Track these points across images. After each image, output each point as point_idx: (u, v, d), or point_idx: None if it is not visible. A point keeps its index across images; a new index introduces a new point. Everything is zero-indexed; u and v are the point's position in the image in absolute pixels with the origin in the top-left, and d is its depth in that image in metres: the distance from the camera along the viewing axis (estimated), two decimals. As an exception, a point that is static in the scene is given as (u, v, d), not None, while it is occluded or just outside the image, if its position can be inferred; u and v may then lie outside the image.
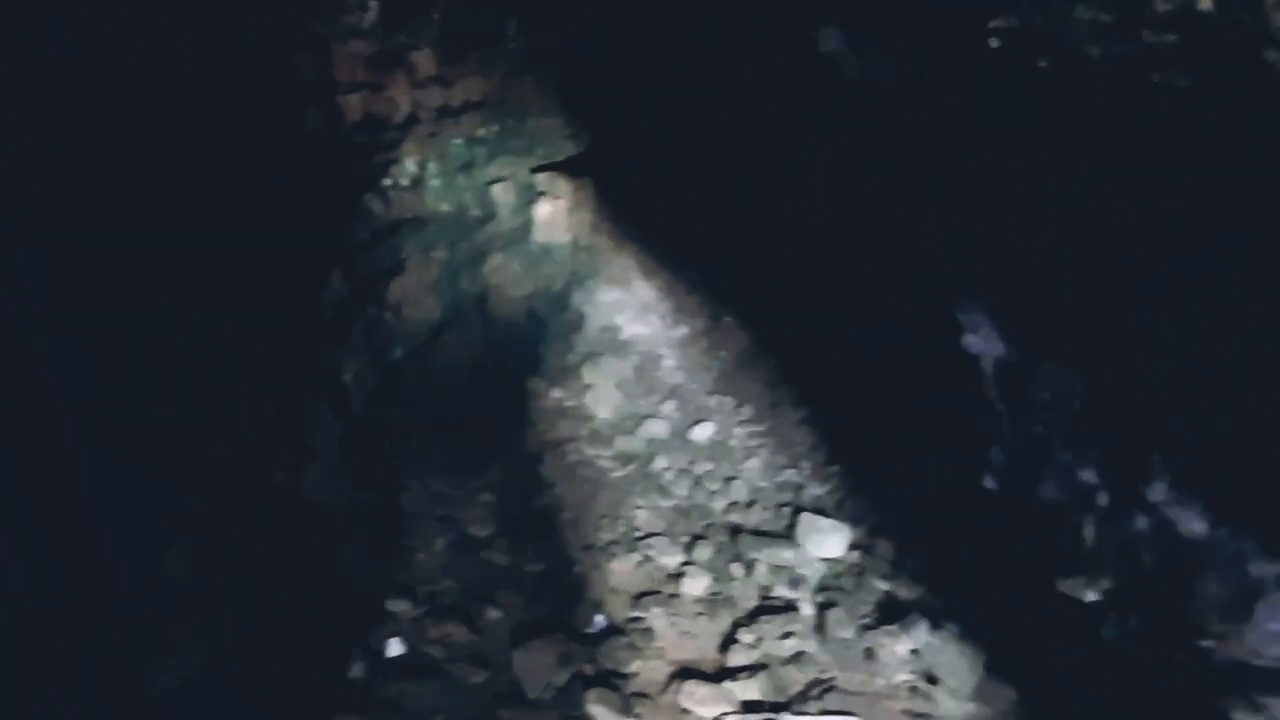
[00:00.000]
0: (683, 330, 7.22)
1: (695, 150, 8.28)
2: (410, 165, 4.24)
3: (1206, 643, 2.56)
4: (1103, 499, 2.94)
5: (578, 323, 6.83)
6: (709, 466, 5.65)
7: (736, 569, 4.73)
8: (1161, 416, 2.74)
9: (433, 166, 4.51)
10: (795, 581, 4.62)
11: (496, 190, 5.41)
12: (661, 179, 8.48)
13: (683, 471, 5.59)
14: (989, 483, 3.17)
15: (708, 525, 5.12)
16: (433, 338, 4.77)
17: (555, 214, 6.33)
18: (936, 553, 4.86)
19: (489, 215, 5.34)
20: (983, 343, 2.99)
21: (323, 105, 3.32)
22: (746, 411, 6.26)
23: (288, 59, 2.99)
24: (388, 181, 4.04)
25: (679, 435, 6.00)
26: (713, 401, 6.37)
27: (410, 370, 4.46)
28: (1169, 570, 2.68)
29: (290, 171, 3.12)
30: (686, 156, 8.34)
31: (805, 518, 5.00)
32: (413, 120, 4.18)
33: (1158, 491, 2.69)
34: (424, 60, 4.16)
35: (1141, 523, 2.76)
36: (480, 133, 5.00)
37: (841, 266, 7.20)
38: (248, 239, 3.05)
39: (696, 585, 4.60)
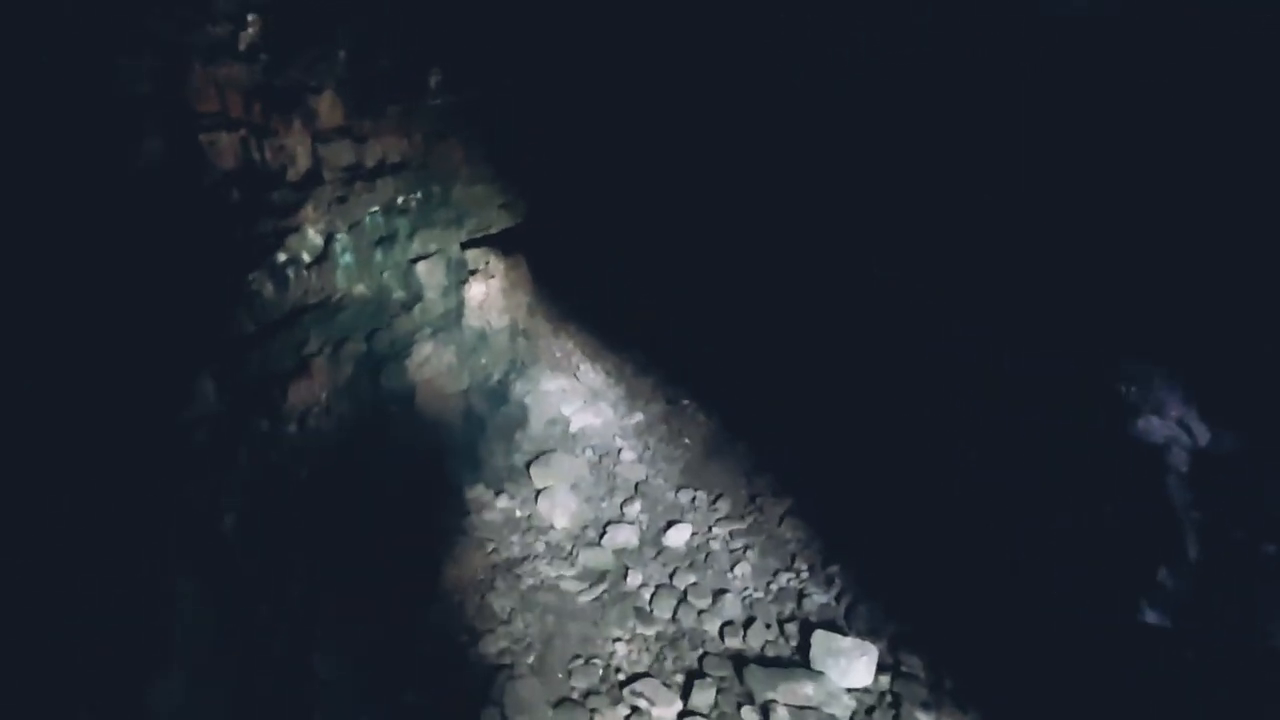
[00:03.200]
0: (638, 417, 6.29)
1: (638, 222, 7.54)
2: (313, 236, 3.24)
3: None
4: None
5: (521, 417, 5.81)
6: (692, 579, 4.64)
7: (750, 715, 3.70)
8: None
9: (343, 239, 3.51)
10: (825, 726, 3.60)
11: (421, 269, 4.43)
12: (602, 253, 7.69)
13: (663, 587, 4.56)
14: (1151, 615, 2.28)
15: (704, 656, 4.08)
16: (348, 452, 3.66)
17: (489, 294, 5.37)
18: (978, 664, 3.97)
19: (414, 298, 4.34)
20: (1164, 426, 2.15)
21: (172, 138, 2.30)
22: (724, 506, 5.32)
23: (110, 62, 2.00)
24: (282, 256, 3.02)
25: (651, 542, 4.99)
26: (684, 498, 5.41)
27: (318, 497, 3.34)
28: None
29: (115, 229, 2.08)
30: (628, 228, 7.59)
31: (819, 636, 4.04)
32: (315, 179, 3.20)
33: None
34: (326, 107, 3.22)
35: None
36: (400, 201, 4.05)
37: (807, 333, 6.48)
38: (56, 334, 1.98)
39: (704, 744, 3.52)
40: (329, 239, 3.38)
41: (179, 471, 2.45)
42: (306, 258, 3.21)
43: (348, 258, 3.55)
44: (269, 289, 2.95)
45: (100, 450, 2.07)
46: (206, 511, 2.57)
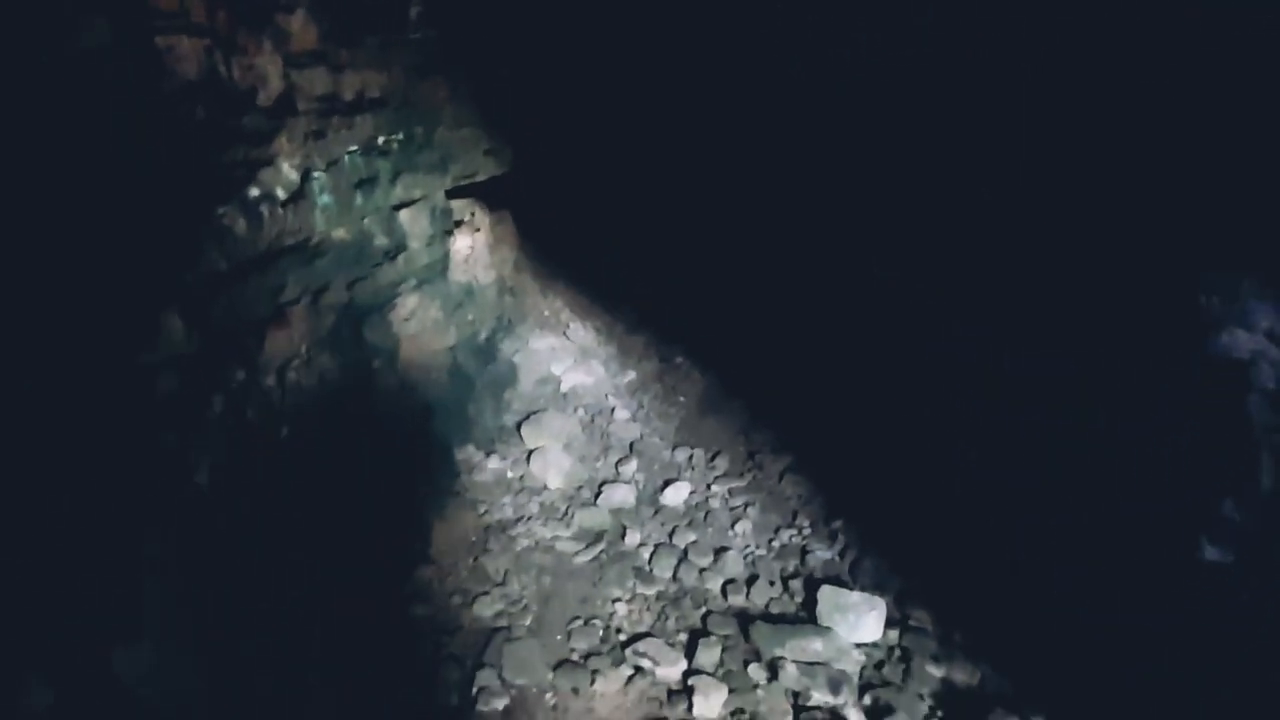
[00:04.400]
0: (631, 376, 6.08)
1: (629, 179, 7.26)
2: (288, 171, 2.96)
3: None
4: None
5: (510, 376, 5.58)
6: (692, 537, 4.47)
7: (757, 672, 3.54)
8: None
9: (321, 178, 3.24)
10: (835, 684, 3.46)
11: (405, 216, 4.16)
12: (592, 209, 7.41)
13: (662, 546, 4.39)
14: (1212, 551, 2.11)
15: (707, 615, 3.92)
16: (331, 408, 3.43)
17: (475, 248, 5.11)
18: (987, 617, 3.85)
19: (397, 246, 4.08)
20: (1251, 340, 1.96)
21: (122, 30, 2.02)
22: (722, 464, 5.15)
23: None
24: (255, 191, 2.75)
25: (649, 501, 4.81)
26: (680, 456, 5.23)
27: (300, 455, 3.11)
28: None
29: (60, 134, 1.81)
30: (619, 185, 7.31)
31: (825, 592, 3.88)
32: (288, 107, 2.92)
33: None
34: (299, 26, 2.92)
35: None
36: (381, 141, 3.77)
37: (807, 286, 6.28)
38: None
39: (711, 703, 3.38)
40: (305, 176, 3.10)
41: (147, 419, 2.21)
42: (281, 194, 2.93)
43: (326, 198, 3.28)
44: (241, 225, 2.68)
45: (58, 394, 1.83)
46: (178, 464, 2.33)
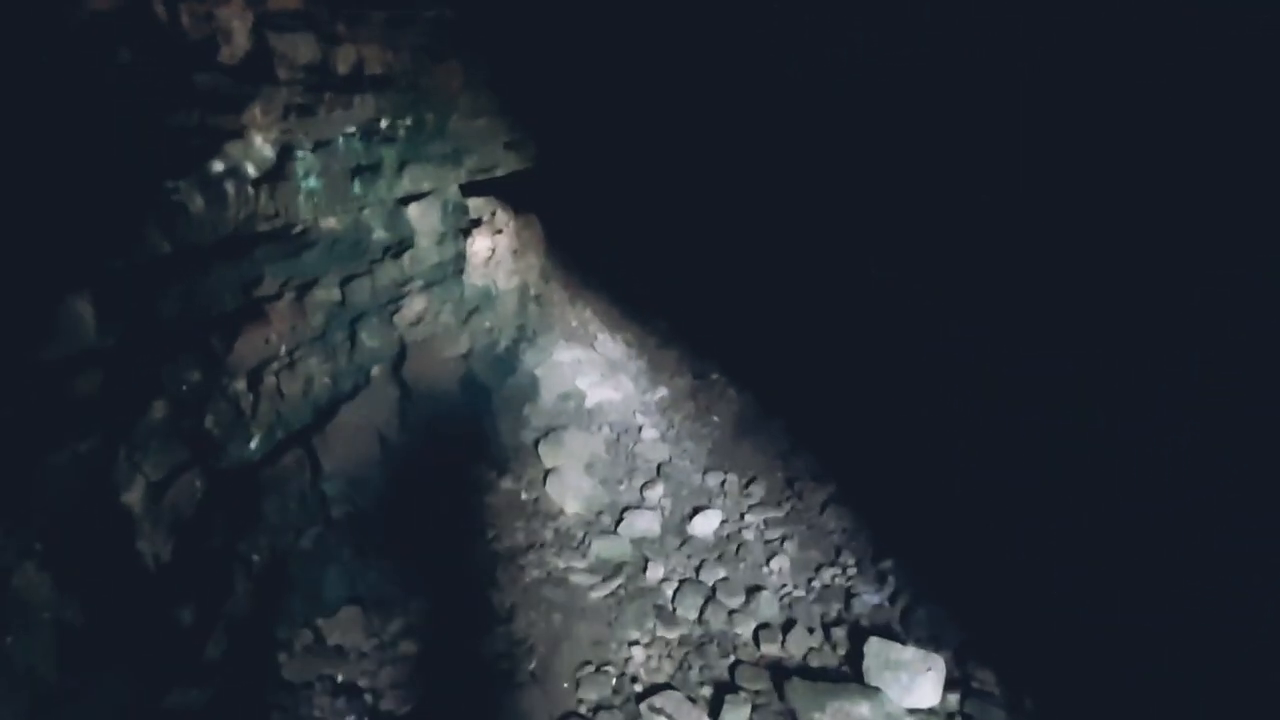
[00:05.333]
0: (661, 393, 5.61)
1: (663, 185, 6.84)
2: (261, 146, 2.59)
3: None
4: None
5: (530, 389, 5.15)
6: (722, 573, 3.97)
7: (794, 741, 3.01)
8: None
9: (307, 158, 2.86)
10: (887, 758, 2.91)
11: (413, 211, 3.78)
12: (624, 216, 7.00)
13: (688, 583, 3.89)
14: None
15: (735, 665, 3.40)
16: (317, 418, 3.03)
17: (497, 251, 4.71)
18: (1062, 678, 3.27)
19: (402, 243, 3.69)
20: None
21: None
22: (757, 491, 4.64)
23: None
24: (218, 165, 2.37)
25: (675, 530, 4.32)
26: (712, 481, 4.73)
27: (272, 471, 2.71)
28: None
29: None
30: (653, 191, 6.89)
31: (874, 645, 3.34)
32: (263, 72, 2.55)
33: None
34: (278, -19, 2.56)
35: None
36: (384, 125, 3.39)
37: (853, 301, 5.76)
38: None
39: (738, 776, 2.85)
40: (285, 154, 2.72)
41: (56, 426, 1.82)
42: (252, 171, 2.56)
43: (313, 182, 2.90)
44: (198, 203, 2.30)
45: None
46: (96, 479, 1.93)
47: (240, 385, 2.65)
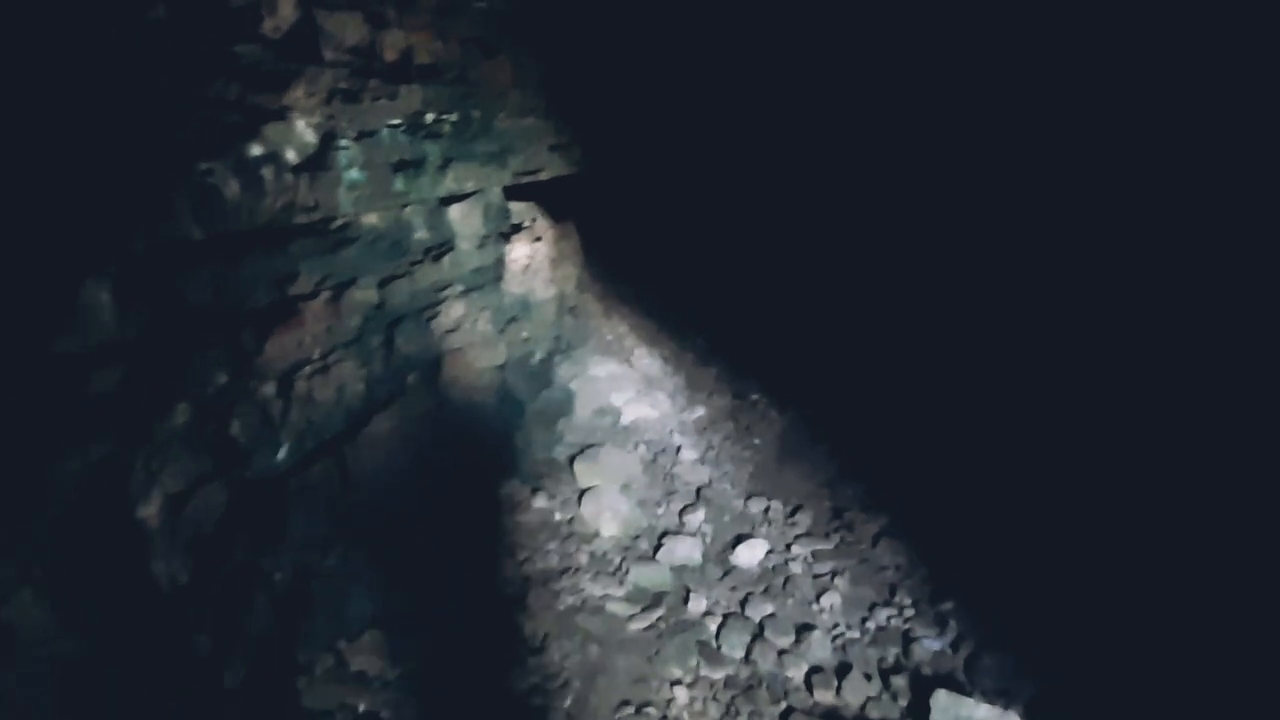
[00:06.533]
0: (700, 412, 5.34)
1: (709, 197, 6.61)
2: (304, 131, 2.38)
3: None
4: None
5: (566, 404, 4.91)
6: (769, 608, 3.68)
7: (856, 804, 2.70)
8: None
9: (350, 148, 2.65)
10: (962, 828, 2.60)
11: (455, 212, 3.56)
12: (666, 228, 6.77)
13: (733, 618, 3.60)
14: None
15: (788, 713, 3.10)
16: (350, 427, 2.79)
17: (535, 259, 4.48)
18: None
19: (443, 245, 3.47)
20: None
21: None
22: (804, 520, 4.34)
23: None
24: (256, 149, 2.16)
25: (717, 559, 4.04)
26: (755, 508, 4.45)
27: (302, 484, 2.47)
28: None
29: None
30: (698, 203, 6.66)
31: (941, 699, 3.04)
32: (308, 51, 2.34)
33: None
34: (329, -45, 2.36)
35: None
36: (430, 119, 3.18)
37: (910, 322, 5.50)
38: None
39: (796, 842, 2.55)
40: (328, 142, 2.51)
41: (68, 426, 1.60)
42: (293, 157, 2.34)
43: (355, 174, 2.68)
44: (233, 188, 2.08)
45: None
46: (111, 487, 1.71)
47: (270, 389, 2.42)
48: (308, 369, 2.68)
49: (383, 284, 3.07)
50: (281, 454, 2.50)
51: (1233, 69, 3.13)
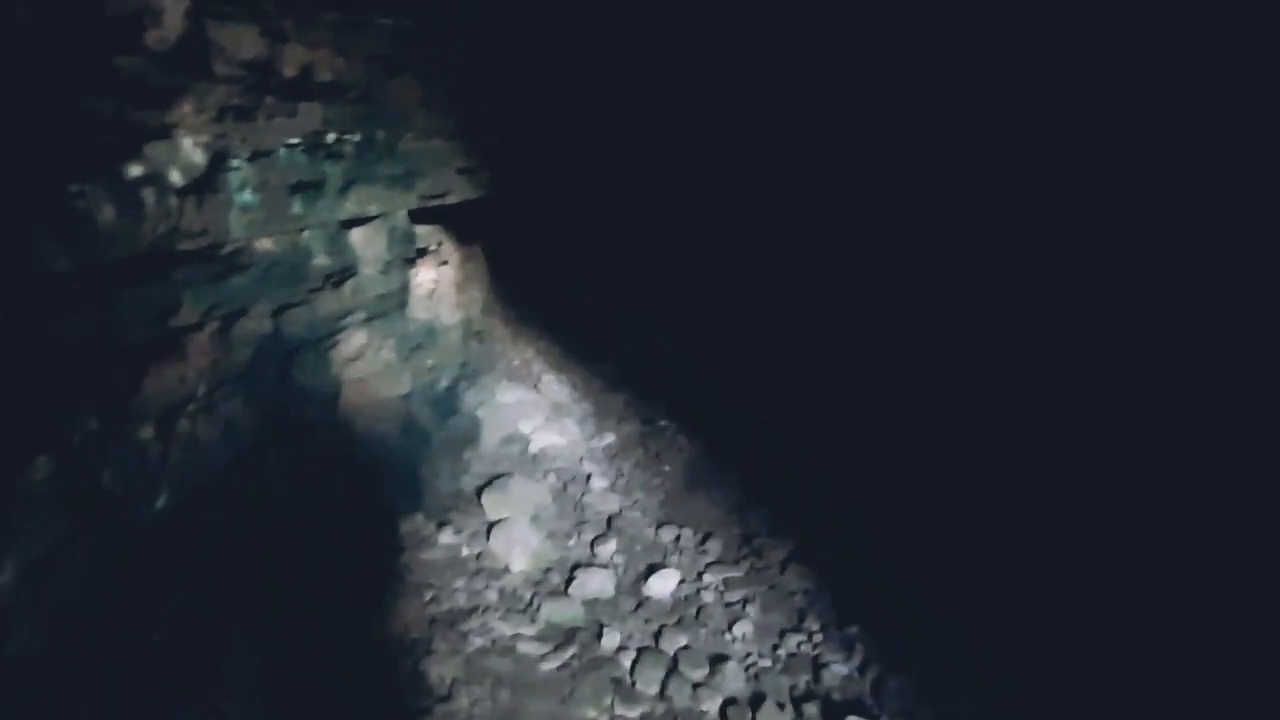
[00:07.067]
0: (609, 439, 5.28)
1: (616, 219, 6.58)
2: (191, 151, 2.18)
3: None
4: None
5: (473, 432, 4.74)
6: (683, 640, 3.64)
7: (775, 841, 2.69)
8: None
9: (242, 169, 2.45)
10: None
11: (357, 236, 3.37)
12: (573, 250, 6.69)
13: (647, 652, 3.54)
14: None
15: (705, 749, 3.06)
16: (238, 468, 2.57)
17: (441, 283, 4.32)
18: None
19: (344, 271, 3.28)
20: None
21: None
22: (714, 547, 4.34)
23: None
24: (136, 169, 1.96)
25: (630, 591, 3.97)
26: (666, 536, 4.41)
27: (182, 535, 2.24)
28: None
29: None
30: (606, 225, 6.62)
31: (852, 725, 3.06)
32: (197, 66, 2.15)
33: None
34: (223, -34, 2.18)
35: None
36: (331, 139, 3.00)
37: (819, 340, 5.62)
38: None
39: None
40: (218, 161, 2.31)
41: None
42: (178, 179, 2.14)
43: (247, 196, 2.48)
44: (108, 213, 1.87)
45: None
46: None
47: (148, 432, 2.19)
48: (191, 407, 2.46)
49: (278, 313, 2.86)
50: (160, 502, 2.26)
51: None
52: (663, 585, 3.97)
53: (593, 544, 4.23)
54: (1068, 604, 3.57)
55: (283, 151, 2.72)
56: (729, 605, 3.92)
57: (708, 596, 3.96)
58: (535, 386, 5.51)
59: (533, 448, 4.94)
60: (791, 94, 5.19)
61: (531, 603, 3.75)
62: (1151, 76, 3.48)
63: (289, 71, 2.62)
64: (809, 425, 5.25)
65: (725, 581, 4.08)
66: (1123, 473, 3.71)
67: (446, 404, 4.52)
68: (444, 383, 4.55)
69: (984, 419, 4.53)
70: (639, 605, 3.86)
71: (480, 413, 4.82)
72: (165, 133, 2.07)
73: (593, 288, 6.31)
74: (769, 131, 5.42)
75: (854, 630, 3.77)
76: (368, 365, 3.57)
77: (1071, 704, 3.21)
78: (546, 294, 6.22)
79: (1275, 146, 3.06)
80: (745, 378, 5.69)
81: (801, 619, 3.87)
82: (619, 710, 3.23)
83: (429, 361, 4.29)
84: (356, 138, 3.18)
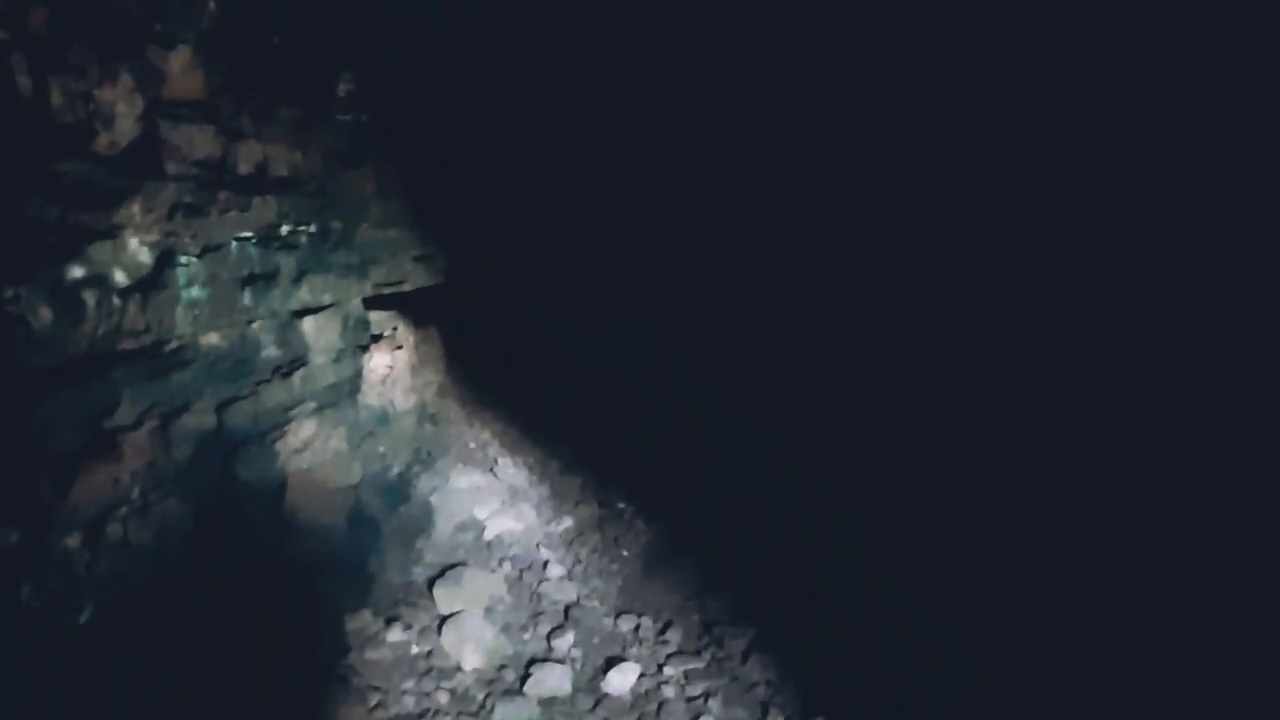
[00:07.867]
0: (566, 523, 5.17)
1: (570, 303, 6.61)
2: (137, 250, 2.12)
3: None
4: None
5: (425, 520, 4.59)
6: (644, 740, 3.48)
7: None
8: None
9: (191, 265, 2.40)
10: None
11: (309, 325, 3.32)
12: (529, 332, 6.68)
13: (606, 755, 3.37)
14: None
15: None
16: (169, 574, 2.43)
17: (395, 369, 4.26)
18: None
19: (294, 361, 3.20)
20: None
21: None
22: (674, 637, 4.22)
23: None
24: (77, 271, 1.89)
25: (588, 687, 3.81)
26: (625, 626, 4.28)
27: (105, 649, 2.09)
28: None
29: None
30: (559, 308, 6.64)
31: (819, 829, 2.92)
32: (149, 166, 2.12)
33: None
34: (180, 67, 2.18)
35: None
36: (285, 231, 2.98)
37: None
38: None
39: None
40: (166, 259, 2.26)
41: None
42: (122, 279, 2.08)
43: (195, 291, 2.43)
44: (44, 316, 1.80)
45: None
46: None
47: (75, 540, 2.06)
48: (124, 510, 2.32)
49: (222, 407, 2.76)
50: (85, 615, 2.11)
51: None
52: (622, 681, 3.81)
53: (549, 636, 4.08)
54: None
55: (234, 245, 2.68)
56: (690, 700, 3.78)
57: (669, 691, 3.82)
58: (491, 470, 5.40)
59: (488, 534, 4.80)
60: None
61: (484, 705, 3.57)
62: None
63: (244, 168, 2.60)
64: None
65: (686, 674, 3.94)
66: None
67: (398, 491, 4.38)
68: (396, 469, 4.43)
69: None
70: (597, 703, 3.70)
71: (434, 499, 4.68)
72: (111, 233, 2.02)
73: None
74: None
75: (820, 723, 3.65)
76: (315, 455, 3.46)
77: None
78: (502, 378, 6.17)
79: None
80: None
81: (765, 712, 3.74)
82: (577, 822, 3.04)
83: (381, 448, 4.18)
84: (311, 229, 3.16)
